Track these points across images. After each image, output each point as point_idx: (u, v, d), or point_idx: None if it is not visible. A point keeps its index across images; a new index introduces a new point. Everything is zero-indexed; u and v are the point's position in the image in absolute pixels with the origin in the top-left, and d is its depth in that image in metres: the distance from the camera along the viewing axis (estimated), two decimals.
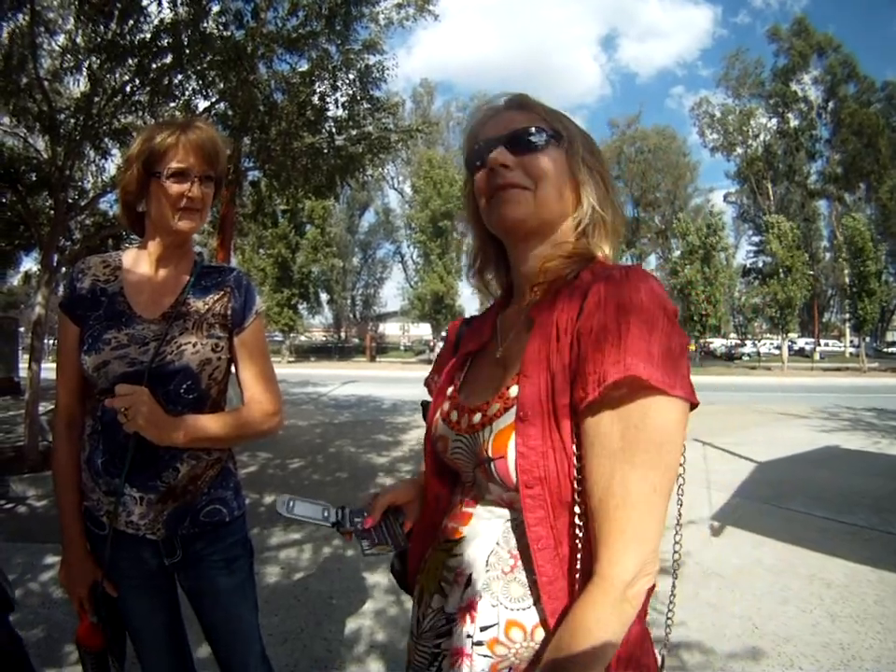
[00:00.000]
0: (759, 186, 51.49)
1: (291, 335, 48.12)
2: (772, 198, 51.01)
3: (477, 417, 1.02)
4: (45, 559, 4.38)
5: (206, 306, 1.65)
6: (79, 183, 10.51)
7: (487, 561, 0.99)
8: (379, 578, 4.00)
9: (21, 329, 23.80)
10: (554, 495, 0.90)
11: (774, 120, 51.02)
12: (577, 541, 0.90)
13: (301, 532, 4.98)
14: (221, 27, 7.65)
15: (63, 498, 1.65)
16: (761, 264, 46.38)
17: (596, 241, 1.08)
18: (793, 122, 50.03)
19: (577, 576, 0.90)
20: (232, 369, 1.72)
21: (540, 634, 0.93)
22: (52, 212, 8.49)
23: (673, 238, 48.56)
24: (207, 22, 7.47)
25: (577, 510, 0.90)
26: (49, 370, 7.92)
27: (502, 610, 0.95)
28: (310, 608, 3.66)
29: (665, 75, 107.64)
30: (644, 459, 0.85)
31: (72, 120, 7.97)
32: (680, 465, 0.94)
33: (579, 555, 0.90)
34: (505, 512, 1.01)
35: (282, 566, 4.32)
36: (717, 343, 49.32)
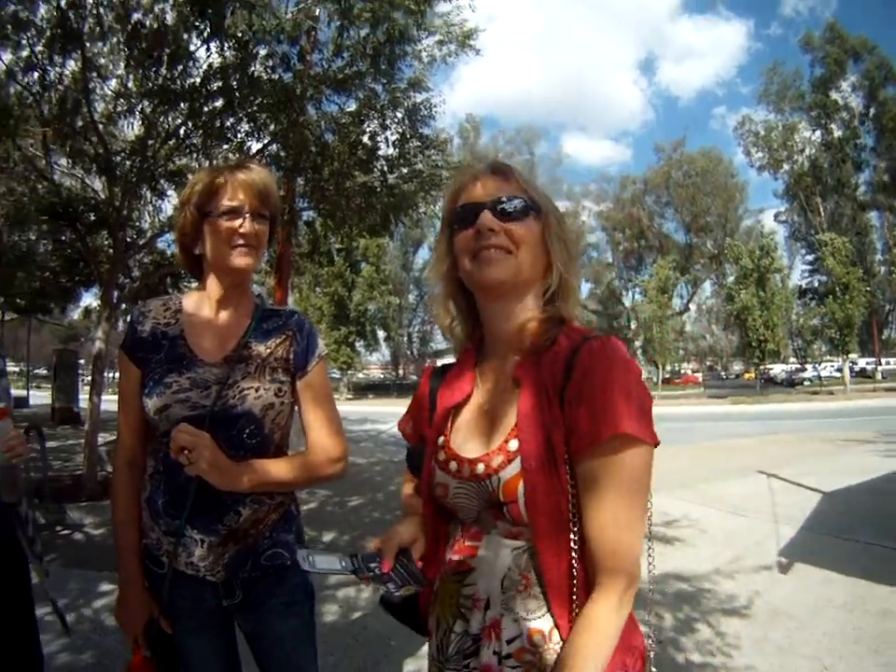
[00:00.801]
0: (808, 202, 50.34)
1: (349, 372, 48.70)
2: (822, 214, 49.79)
3: (480, 468, 1.18)
4: (99, 586, 4.46)
5: (268, 350, 1.64)
6: (137, 223, 10.88)
7: (503, 584, 1.16)
8: None
9: (81, 362, 24.53)
10: (556, 524, 1.10)
11: (817, 133, 50.01)
12: (573, 557, 1.10)
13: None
14: (269, 70, 7.82)
15: (123, 536, 1.64)
16: (816, 284, 45.27)
17: (563, 303, 1.25)
18: (837, 133, 48.92)
19: (575, 583, 1.10)
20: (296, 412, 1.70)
21: (556, 635, 1.11)
22: (111, 250, 8.77)
23: (726, 263, 47.70)
24: (255, 66, 7.64)
25: (573, 534, 1.10)
26: (107, 401, 8.14)
27: (523, 623, 1.13)
28: (368, 648, 3.62)
29: (706, 95, 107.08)
30: (630, 493, 1.07)
31: (128, 162, 8.28)
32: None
33: (575, 569, 1.10)
34: (512, 542, 1.18)
35: (340, 604, 4.30)
36: (777, 369, 48.11)
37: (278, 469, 1.57)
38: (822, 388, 38.83)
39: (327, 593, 4.47)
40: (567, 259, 1.25)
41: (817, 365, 48.18)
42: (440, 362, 1.56)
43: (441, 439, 1.30)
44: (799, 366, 51.21)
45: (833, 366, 48.22)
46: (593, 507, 1.07)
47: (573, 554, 1.10)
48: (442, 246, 1.33)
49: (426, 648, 3.57)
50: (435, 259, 1.38)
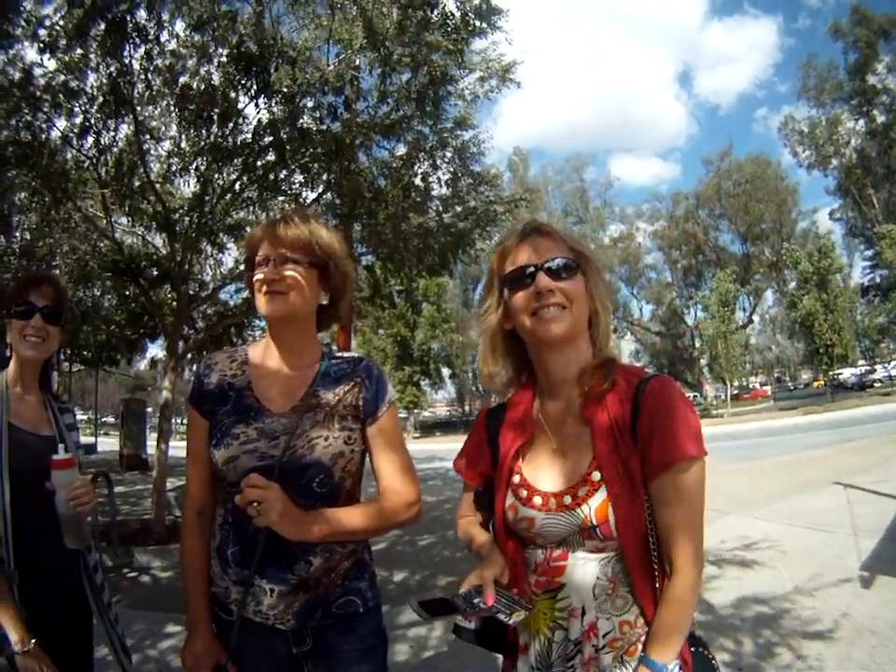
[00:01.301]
0: (861, 195, 48.67)
1: (415, 411, 48.90)
2: (877, 205, 48.11)
3: (568, 500, 1.38)
4: (165, 628, 4.55)
5: (337, 398, 1.65)
6: (199, 276, 11.24)
7: (594, 593, 1.36)
8: None
9: (148, 410, 25.25)
10: (639, 535, 1.33)
11: (861, 122, 48.43)
12: (653, 559, 1.34)
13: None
14: (318, 121, 8.03)
15: (192, 585, 1.68)
16: (878, 279, 43.76)
17: (605, 344, 1.49)
18: (880, 118, 47.18)
19: (656, 577, 1.34)
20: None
21: (640, 621, 1.36)
22: (175, 303, 9.05)
23: (786, 269, 46.51)
24: (303, 118, 7.88)
25: (651, 541, 1.34)
26: (174, 448, 8.31)
27: (614, 618, 1.36)
28: None
29: (746, 98, 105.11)
30: (695, 500, 1.33)
31: (186, 219, 8.58)
32: None
33: (655, 568, 1.35)
34: (598, 556, 1.38)
35: (411, 644, 4.30)
36: (846, 374, 46.49)
37: (350, 517, 1.59)
38: (894, 388, 37.35)
39: (398, 633, 4.47)
40: (606, 304, 1.49)
41: (886, 365, 46.40)
42: (492, 404, 1.72)
43: (518, 477, 1.48)
44: (868, 367, 49.37)
45: None
46: (669, 515, 1.32)
47: (653, 556, 1.34)
48: (492, 302, 1.52)
49: None
50: (485, 313, 1.55)
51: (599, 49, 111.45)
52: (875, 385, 43.28)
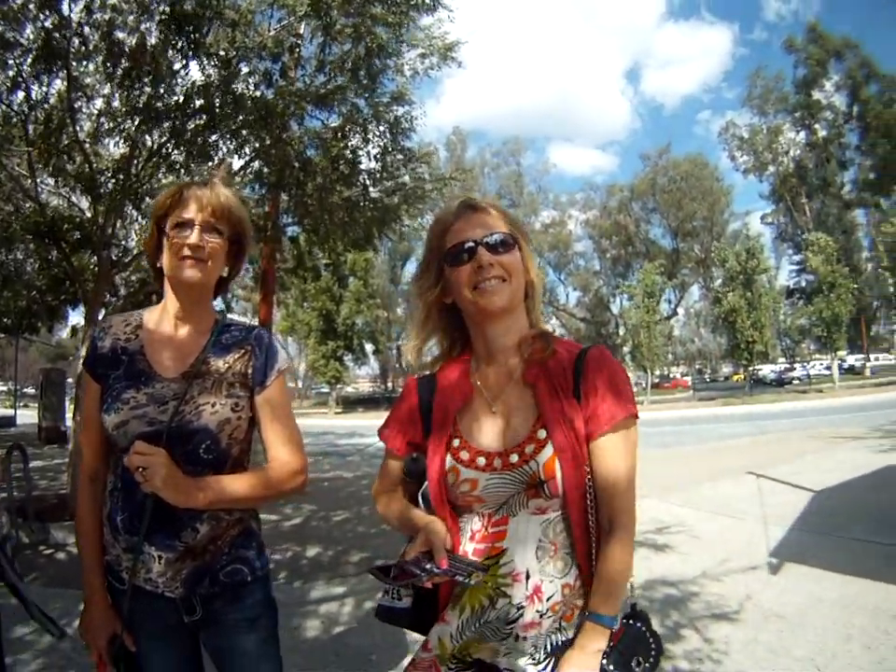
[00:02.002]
0: (794, 203, 50.72)
1: (338, 387, 48.57)
2: (808, 214, 50.15)
3: (515, 457, 1.40)
4: (80, 606, 4.40)
5: (227, 365, 1.65)
6: (123, 241, 10.84)
7: (537, 555, 1.39)
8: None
9: (70, 381, 24.43)
10: (581, 492, 1.38)
11: (802, 133, 50.43)
12: (590, 517, 1.39)
13: (343, 586, 4.94)
14: (252, 87, 7.84)
15: (85, 552, 1.66)
16: (804, 283, 45.52)
17: (538, 315, 1.58)
18: (821, 133, 49.28)
19: (593, 536, 1.39)
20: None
21: (579, 583, 1.41)
22: (97, 269, 8.72)
23: (714, 266, 47.86)
24: (237, 83, 7.66)
25: (589, 498, 1.39)
26: None
27: (556, 581, 1.39)
28: (349, 664, 3.58)
29: (692, 101, 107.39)
30: (632, 455, 1.42)
31: (111, 181, 8.24)
32: None
33: (592, 526, 1.39)
34: (540, 517, 1.41)
35: (322, 620, 4.26)
36: (766, 370, 48.27)
37: (236, 484, 1.58)
38: (811, 387, 39.02)
39: (309, 608, 4.46)
40: (540, 277, 1.58)
41: (805, 364, 48.42)
42: (417, 375, 1.68)
43: (457, 441, 1.49)
44: (788, 365, 51.42)
45: (821, 364, 48.55)
46: (611, 471, 1.38)
47: (590, 515, 1.39)
48: (430, 278, 1.54)
49: (406, 661, 3.55)
50: (420, 287, 1.58)
51: (550, 36, 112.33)
52: (794, 382, 45.26)
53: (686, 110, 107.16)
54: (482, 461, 1.44)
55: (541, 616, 1.38)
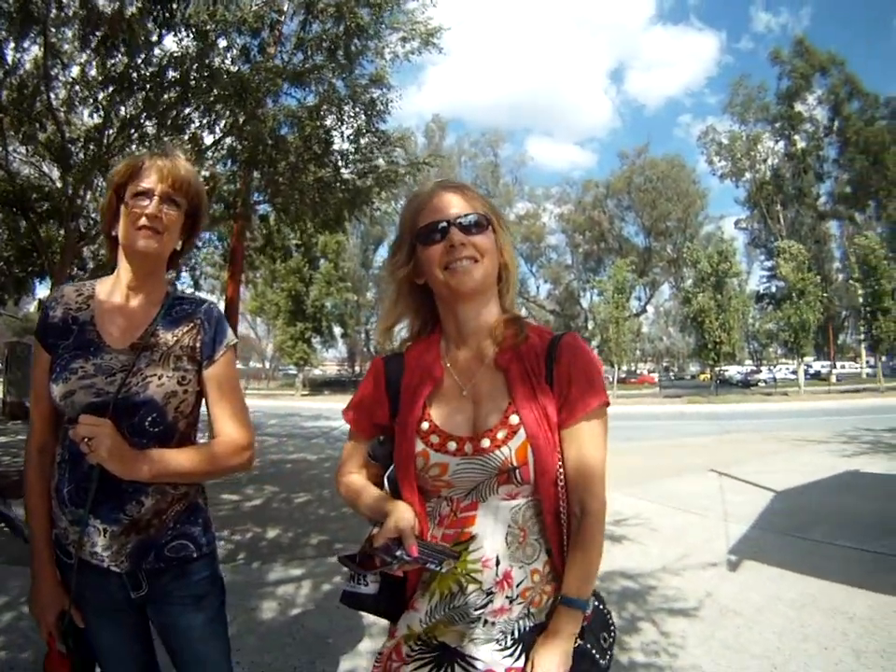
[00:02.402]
0: (769, 210, 51.39)
1: (305, 369, 48.39)
2: (782, 222, 50.85)
3: (486, 443, 1.38)
4: None
5: (175, 338, 1.64)
6: (92, 214, 10.67)
7: (506, 541, 1.39)
8: (379, 618, 3.88)
9: None
10: (552, 478, 1.38)
11: (781, 143, 51.11)
12: (561, 503, 1.39)
13: (301, 568, 4.89)
14: (229, 62, 7.75)
15: (34, 525, 1.64)
16: (774, 289, 46.19)
17: (512, 299, 1.56)
18: (800, 144, 50.01)
19: (564, 522, 1.39)
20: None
21: (548, 568, 1.42)
22: (64, 240, 8.58)
23: (685, 266, 48.37)
24: (214, 57, 7.54)
25: (560, 485, 1.39)
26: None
27: (526, 567, 1.40)
28: (305, 647, 3.54)
29: (673, 104, 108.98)
30: (603, 441, 1.42)
31: (83, 151, 8.09)
32: None
33: (563, 512, 1.39)
34: (509, 503, 1.40)
35: (279, 602, 4.21)
36: (732, 371, 48.94)
37: (181, 458, 1.57)
38: (777, 390, 39.65)
39: (266, 590, 4.41)
40: (514, 260, 1.55)
41: (772, 367, 49.10)
42: (384, 356, 1.63)
43: (427, 424, 1.45)
44: (754, 368, 52.15)
45: (788, 368, 49.29)
46: (583, 459, 1.38)
47: (561, 501, 1.39)
48: (402, 257, 1.51)
49: (363, 645, 3.55)
50: (392, 266, 1.54)
51: (538, 30, 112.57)
52: (760, 384, 45.88)
53: (667, 112, 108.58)
54: (452, 445, 1.42)
55: (511, 602, 1.39)
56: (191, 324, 1.66)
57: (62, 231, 9.52)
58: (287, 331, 44.53)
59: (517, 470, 1.36)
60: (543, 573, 1.41)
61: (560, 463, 1.39)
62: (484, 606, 1.39)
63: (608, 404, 1.42)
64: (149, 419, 1.55)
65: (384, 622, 3.76)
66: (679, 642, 3.55)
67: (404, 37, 10.10)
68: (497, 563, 1.39)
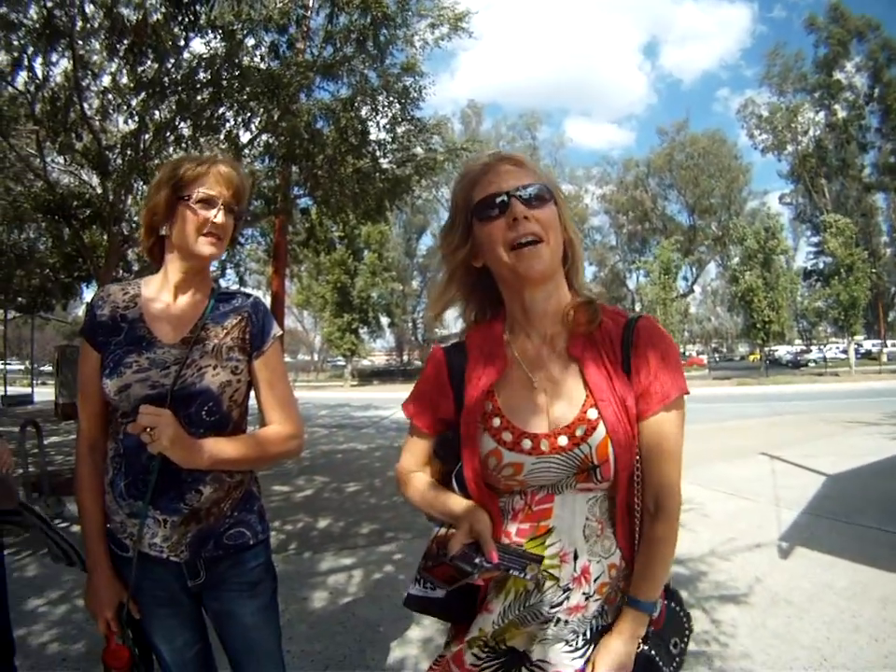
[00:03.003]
0: (813, 184, 49.92)
1: (353, 359, 48.85)
2: (827, 195, 49.41)
3: (564, 440, 1.28)
4: None
5: (225, 331, 1.68)
6: (134, 217, 10.91)
7: (584, 534, 1.31)
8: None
9: None
10: (631, 474, 1.30)
11: (822, 114, 49.53)
12: (636, 499, 1.32)
13: (352, 557, 4.94)
14: (259, 59, 7.82)
15: (88, 522, 1.67)
16: (821, 265, 44.97)
17: (581, 280, 1.43)
18: (841, 114, 48.41)
19: (637, 518, 1.33)
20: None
21: (623, 564, 1.35)
22: (108, 244, 8.78)
23: (731, 244, 47.42)
24: (243, 56, 7.62)
25: (636, 480, 1.32)
26: None
27: (603, 561, 1.32)
28: (355, 635, 3.58)
29: (710, 78, 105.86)
30: (680, 433, 1.33)
31: (120, 157, 8.26)
32: None
33: (637, 508, 1.33)
34: (586, 494, 1.32)
35: (330, 591, 4.26)
36: (782, 351, 47.95)
37: (236, 445, 1.61)
38: (827, 370, 38.65)
39: (317, 580, 4.46)
40: (579, 236, 1.41)
41: (822, 347, 47.99)
42: (444, 345, 1.52)
43: (498, 420, 1.35)
44: (804, 347, 51.02)
45: (838, 347, 48.12)
46: (660, 453, 1.30)
47: (636, 496, 1.32)
48: (457, 237, 1.38)
49: (413, 634, 3.58)
50: (449, 248, 1.40)
51: (568, 9, 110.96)
52: (809, 364, 44.80)
53: (704, 86, 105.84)
54: (527, 444, 1.31)
55: (587, 598, 1.32)
56: (239, 317, 1.71)
57: (105, 236, 9.73)
58: (335, 323, 45.15)
59: (597, 469, 1.28)
60: (620, 568, 1.34)
61: (637, 457, 1.31)
62: (560, 603, 1.31)
63: (687, 393, 1.32)
64: (206, 409, 1.60)
65: None
66: (729, 630, 3.51)
67: (432, 24, 10.11)
68: (576, 557, 1.31)
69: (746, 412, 17.02)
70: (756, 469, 8.12)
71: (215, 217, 1.62)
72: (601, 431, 1.26)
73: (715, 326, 68.64)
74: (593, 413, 1.28)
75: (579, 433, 1.28)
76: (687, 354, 65.07)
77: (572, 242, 1.37)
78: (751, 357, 53.95)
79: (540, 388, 1.34)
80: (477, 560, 1.20)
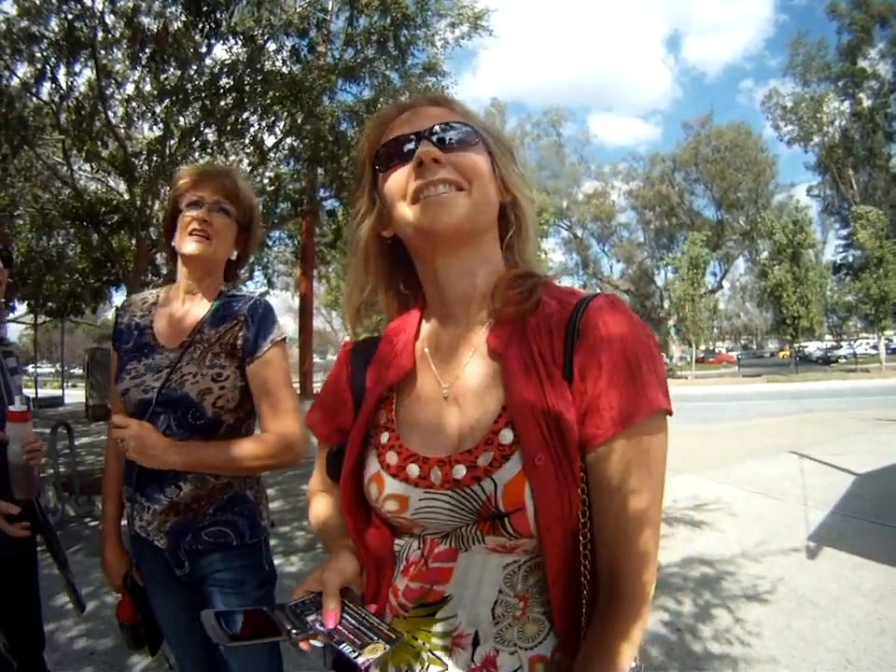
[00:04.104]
0: (840, 175, 49.01)
1: None
2: (855, 187, 48.49)
3: (461, 471, 0.90)
4: None
5: (217, 335, 1.71)
6: (162, 221, 11.09)
7: (494, 613, 0.92)
8: None
9: None
10: (568, 530, 0.87)
11: (846, 103, 48.62)
12: (585, 568, 0.88)
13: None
14: (280, 64, 7.91)
15: (105, 504, 1.90)
16: (851, 259, 44.20)
17: (528, 255, 1.05)
18: (866, 102, 47.44)
19: (585, 595, 0.88)
20: None
21: (559, 656, 0.91)
22: (136, 249, 8.93)
23: (759, 238, 46.82)
24: (265, 61, 7.72)
25: (583, 538, 0.88)
26: None
27: (523, 653, 0.91)
28: None
29: (733, 70, 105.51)
30: (653, 479, 0.87)
31: (146, 163, 8.40)
32: None
33: (586, 581, 0.88)
34: (503, 559, 0.93)
35: None
36: (811, 347, 47.25)
37: (218, 452, 1.65)
38: (858, 366, 37.94)
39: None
40: (528, 196, 1.04)
41: (852, 342, 47.21)
42: (356, 341, 1.25)
43: (387, 435, 1.02)
44: (834, 343, 50.24)
45: (868, 343, 47.25)
46: (615, 504, 0.86)
47: (585, 563, 0.88)
48: (365, 202, 1.06)
49: None
50: (355, 217, 1.08)
51: (588, 4, 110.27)
52: (840, 360, 44.11)
53: (728, 78, 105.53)
54: (413, 470, 0.96)
55: None
56: (235, 321, 1.73)
57: (133, 241, 9.89)
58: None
59: (506, 518, 0.88)
60: (553, 661, 0.91)
61: (585, 505, 0.88)
62: None
63: (665, 412, 0.87)
64: (190, 414, 1.65)
65: None
66: (754, 631, 3.49)
67: (452, 23, 10.12)
68: (475, 643, 0.92)
69: (775, 409, 16.78)
70: (785, 468, 8.02)
71: (197, 214, 1.69)
72: (515, 463, 0.87)
73: (744, 322, 67.95)
74: (507, 435, 0.89)
75: (482, 461, 0.90)
76: (716, 351, 64.47)
77: (517, 202, 1.02)
78: (781, 354, 53.23)
79: (451, 397, 0.99)
80: (310, 618, 0.90)
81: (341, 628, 0.88)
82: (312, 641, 0.88)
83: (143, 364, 1.71)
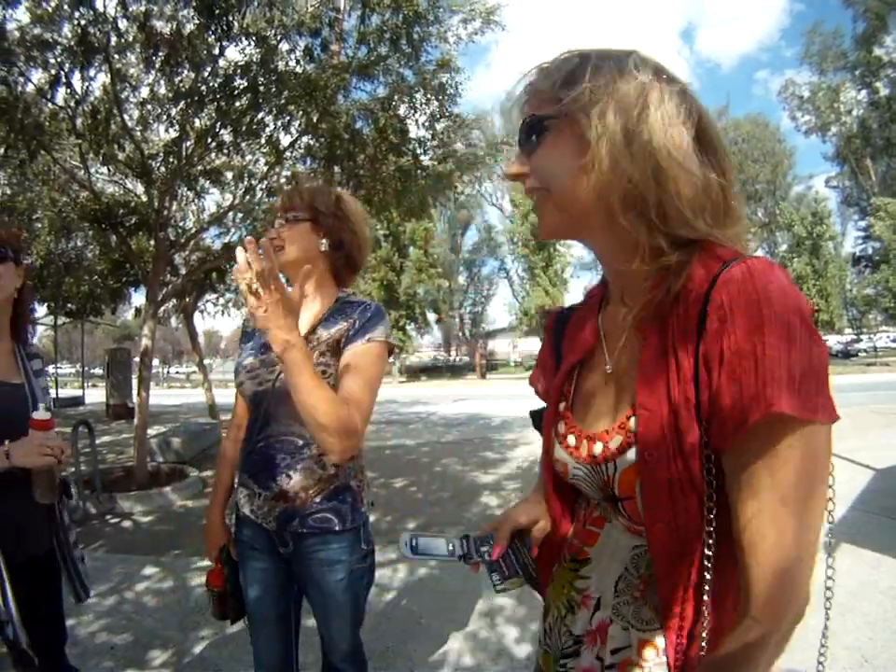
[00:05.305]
0: (859, 165, 48.40)
1: (402, 356, 49.15)
2: (874, 177, 47.89)
3: (598, 448, 0.94)
4: (143, 570, 4.70)
5: (328, 335, 1.81)
6: (181, 222, 11.21)
7: (616, 586, 0.97)
8: (473, 600, 3.96)
9: (136, 360, 25.22)
10: (680, 533, 0.84)
11: (864, 92, 47.95)
12: (706, 572, 0.84)
13: (398, 551, 4.99)
14: (294, 63, 7.95)
15: (216, 482, 2.12)
16: (870, 251, 43.74)
17: (688, 217, 0.85)
18: (883, 91, 46.77)
19: (704, 598, 0.84)
20: None
21: (671, 652, 0.88)
22: (155, 250, 9.01)
23: (778, 231, 46.41)
24: (278, 61, 7.79)
25: (706, 547, 0.83)
26: (157, 396, 8.27)
27: (634, 632, 0.93)
28: (398, 627, 3.66)
29: (749, 60, 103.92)
30: (794, 497, 0.75)
31: (163, 165, 8.48)
32: (829, 487, 0.85)
33: (706, 592, 0.84)
34: (633, 540, 0.96)
35: (375, 584, 4.32)
36: (832, 341, 46.80)
37: (313, 385, 1.44)
38: (878, 359, 37.59)
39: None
40: (673, 155, 0.84)
41: (872, 336, 46.71)
42: (558, 308, 1.27)
43: (563, 405, 1.07)
44: (854, 337, 49.67)
45: (888, 336, 46.73)
46: (741, 510, 0.78)
47: (705, 574, 0.84)
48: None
49: (455, 626, 3.65)
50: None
51: None
52: (860, 354, 43.62)
53: (744, 69, 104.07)
54: (571, 441, 1.01)
55: (602, 666, 0.96)
56: (346, 322, 1.82)
57: (151, 242, 9.98)
58: None
59: (620, 504, 0.93)
60: (663, 650, 0.89)
61: (709, 514, 0.83)
62: (569, 655, 1.04)
63: (797, 419, 0.73)
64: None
65: (481, 606, 3.79)
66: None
67: (465, 19, 10.22)
68: (597, 607, 0.99)
69: None
70: None
71: (271, 234, 1.86)
72: (633, 453, 0.87)
73: None
74: (633, 422, 0.88)
75: (613, 445, 0.91)
76: None
77: (660, 167, 0.83)
78: None
79: (612, 375, 0.98)
80: (483, 548, 1.15)
81: (500, 561, 1.15)
82: (481, 566, 1.16)
83: (258, 360, 1.89)
